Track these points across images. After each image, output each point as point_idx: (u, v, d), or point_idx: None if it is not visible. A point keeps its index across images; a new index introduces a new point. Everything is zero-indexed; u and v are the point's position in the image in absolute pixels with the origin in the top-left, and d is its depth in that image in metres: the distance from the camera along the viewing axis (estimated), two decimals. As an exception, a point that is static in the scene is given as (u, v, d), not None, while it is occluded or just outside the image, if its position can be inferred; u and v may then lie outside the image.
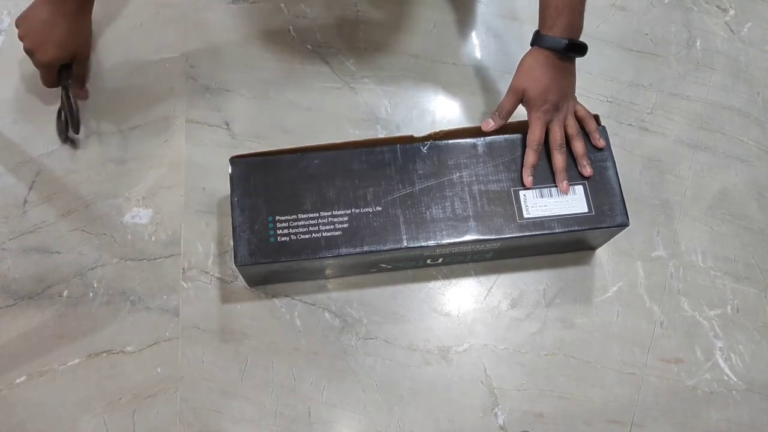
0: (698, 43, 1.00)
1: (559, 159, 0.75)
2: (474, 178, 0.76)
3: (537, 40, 0.76)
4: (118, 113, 0.88)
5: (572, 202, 0.76)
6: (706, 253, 0.86)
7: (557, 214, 0.76)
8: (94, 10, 0.95)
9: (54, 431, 0.73)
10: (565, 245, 0.81)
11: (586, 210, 0.76)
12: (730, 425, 0.78)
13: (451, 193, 0.75)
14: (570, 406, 0.77)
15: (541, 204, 0.76)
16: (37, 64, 0.81)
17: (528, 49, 0.77)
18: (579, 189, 0.77)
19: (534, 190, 0.76)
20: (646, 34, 0.99)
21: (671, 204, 0.89)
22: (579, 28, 0.76)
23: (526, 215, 0.75)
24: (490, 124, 0.77)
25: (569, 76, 0.78)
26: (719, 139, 0.94)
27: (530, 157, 0.75)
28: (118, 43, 0.92)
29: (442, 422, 0.76)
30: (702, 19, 1.02)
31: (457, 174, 0.76)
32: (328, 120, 0.89)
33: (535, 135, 0.75)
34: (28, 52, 0.80)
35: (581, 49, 0.76)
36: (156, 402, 0.74)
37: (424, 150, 0.76)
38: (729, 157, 0.93)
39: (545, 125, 0.76)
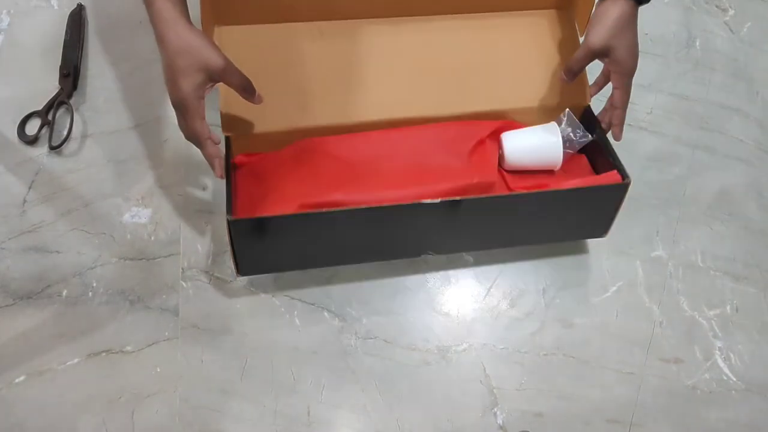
0: (698, 43, 1.00)
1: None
2: None
3: None
4: (118, 112, 0.88)
5: None
6: (705, 252, 0.86)
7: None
8: (94, 11, 0.95)
9: (53, 431, 0.73)
10: (572, 219, 0.78)
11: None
12: (729, 425, 0.78)
13: None
14: (569, 406, 0.77)
15: None
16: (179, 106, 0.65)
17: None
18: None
19: None
20: (646, 33, 0.99)
21: (671, 204, 0.89)
22: None
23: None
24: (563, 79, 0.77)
25: None
26: (719, 139, 0.94)
27: (623, 116, 0.75)
28: (117, 43, 0.92)
29: (441, 422, 0.76)
30: (702, 18, 1.02)
31: None
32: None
33: (629, 92, 0.73)
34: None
35: None
36: (155, 401, 0.74)
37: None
38: (728, 157, 0.93)
39: (632, 80, 0.73)
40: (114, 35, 0.93)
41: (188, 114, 0.64)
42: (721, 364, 0.81)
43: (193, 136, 0.66)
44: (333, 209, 0.66)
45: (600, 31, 0.70)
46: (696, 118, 0.95)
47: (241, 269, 0.71)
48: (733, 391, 0.80)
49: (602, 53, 0.71)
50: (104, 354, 0.76)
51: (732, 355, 0.81)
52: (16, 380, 0.74)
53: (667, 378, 0.80)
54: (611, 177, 0.74)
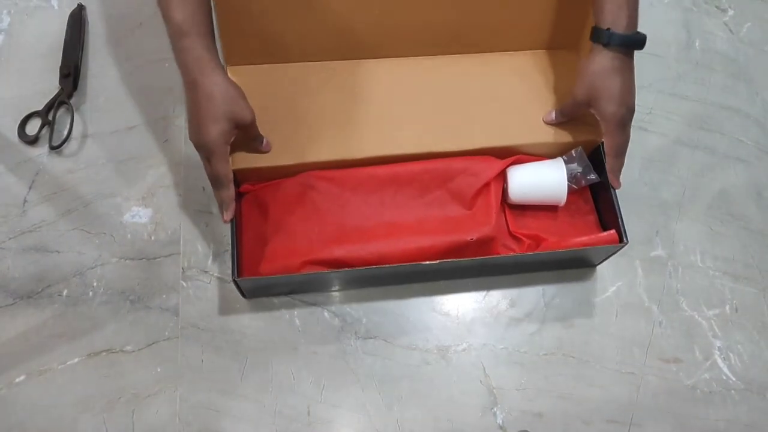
0: (697, 43, 1.00)
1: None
2: None
3: (603, 37, 0.69)
4: (118, 113, 0.88)
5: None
6: (705, 253, 0.86)
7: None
8: (94, 11, 0.95)
9: (53, 431, 0.73)
10: (566, 262, 0.81)
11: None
12: (728, 425, 0.78)
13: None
14: (569, 406, 0.77)
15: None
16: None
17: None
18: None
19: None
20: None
21: (670, 204, 0.89)
22: (637, 19, 0.71)
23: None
24: (551, 118, 0.78)
25: (632, 74, 0.72)
26: (719, 139, 0.94)
27: (620, 163, 0.75)
28: (118, 43, 0.92)
29: (441, 422, 0.76)
30: (701, 19, 1.02)
31: None
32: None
33: (619, 141, 0.73)
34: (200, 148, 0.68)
35: (644, 43, 0.71)
36: (155, 401, 0.74)
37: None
38: (728, 157, 0.93)
39: (627, 128, 0.73)
40: (114, 35, 0.93)
41: (214, 157, 0.67)
42: (721, 364, 0.81)
43: (217, 177, 0.69)
44: (334, 270, 0.74)
45: (581, 84, 0.72)
46: (696, 118, 0.95)
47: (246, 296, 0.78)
48: (733, 391, 0.80)
49: (586, 104, 0.72)
50: (104, 354, 0.76)
51: (731, 355, 0.81)
52: (16, 380, 0.74)
53: (667, 378, 0.80)
54: (610, 237, 0.75)
